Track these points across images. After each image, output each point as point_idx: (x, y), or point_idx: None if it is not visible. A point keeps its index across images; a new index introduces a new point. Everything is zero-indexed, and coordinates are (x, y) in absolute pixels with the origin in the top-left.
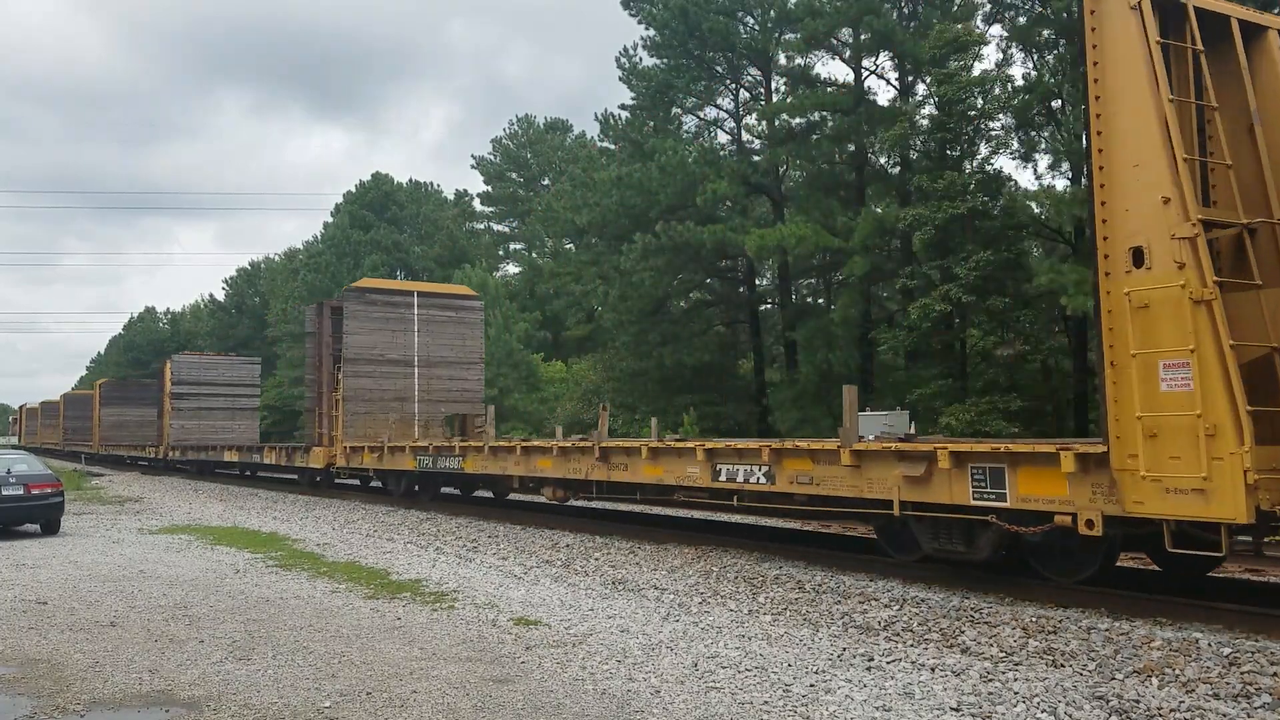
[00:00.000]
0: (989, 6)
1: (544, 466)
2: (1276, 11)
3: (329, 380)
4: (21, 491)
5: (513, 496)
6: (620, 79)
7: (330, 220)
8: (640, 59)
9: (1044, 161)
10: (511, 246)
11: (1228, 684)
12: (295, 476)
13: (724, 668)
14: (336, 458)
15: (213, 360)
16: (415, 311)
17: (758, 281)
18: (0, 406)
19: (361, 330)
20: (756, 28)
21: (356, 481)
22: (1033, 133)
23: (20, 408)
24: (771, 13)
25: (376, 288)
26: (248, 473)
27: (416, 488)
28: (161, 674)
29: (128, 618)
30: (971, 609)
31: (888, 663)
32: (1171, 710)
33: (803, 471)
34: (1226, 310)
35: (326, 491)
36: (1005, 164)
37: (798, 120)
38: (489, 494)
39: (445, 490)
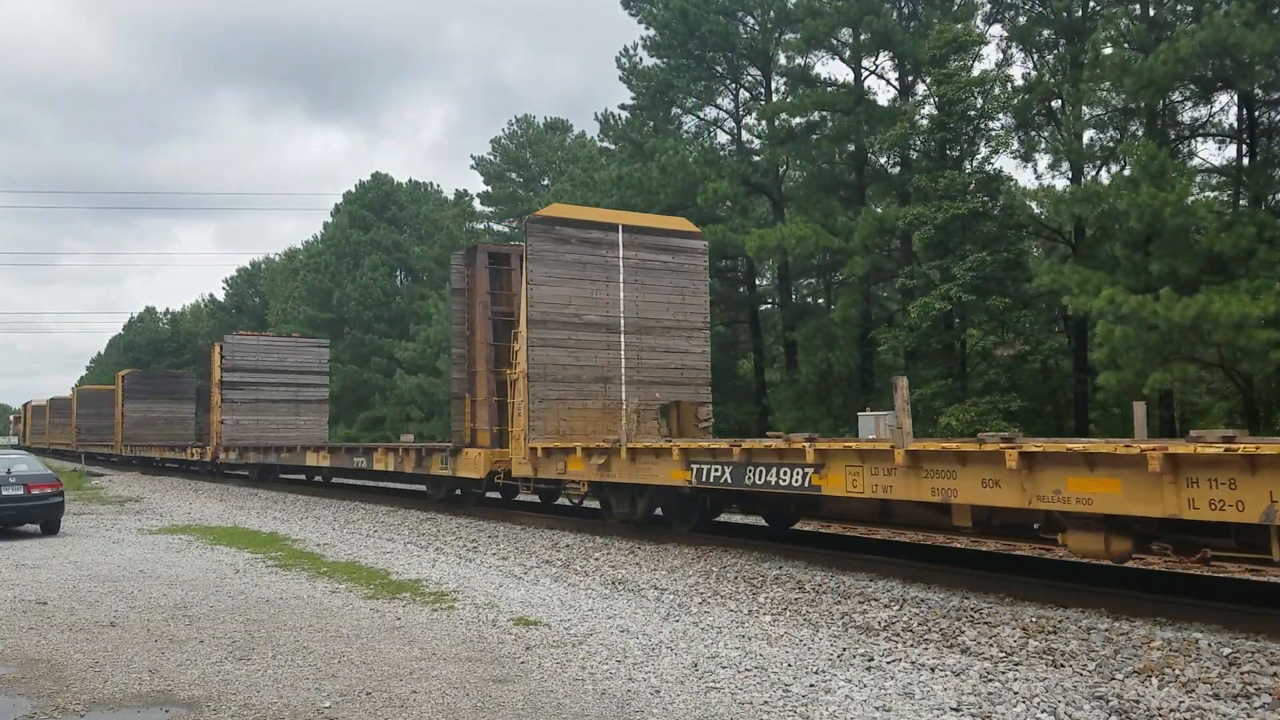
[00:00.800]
0: (989, 6)
1: (1098, 492)
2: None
3: (489, 354)
4: (21, 491)
5: (522, 497)
6: (620, 79)
7: (330, 220)
8: (640, 59)
9: (1044, 161)
10: None
11: (1228, 684)
12: (424, 488)
13: (724, 668)
14: (513, 462)
15: (272, 342)
16: (620, 253)
17: (758, 281)
18: (0, 406)
19: (550, 279)
20: (756, 28)
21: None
22: (1033, 133)
23: (25, 405)
24: (771, 13)
25: (570, 218)
26: (317, 479)
27: (659, 510)
28: (161, 674)
29: (127, 618)
30: (971, 609)
31: (888, 663)
32: (1171, 710)
33: None
34: None
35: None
36: (1005, 164)
37: (798, 120)
38: (739, 519)
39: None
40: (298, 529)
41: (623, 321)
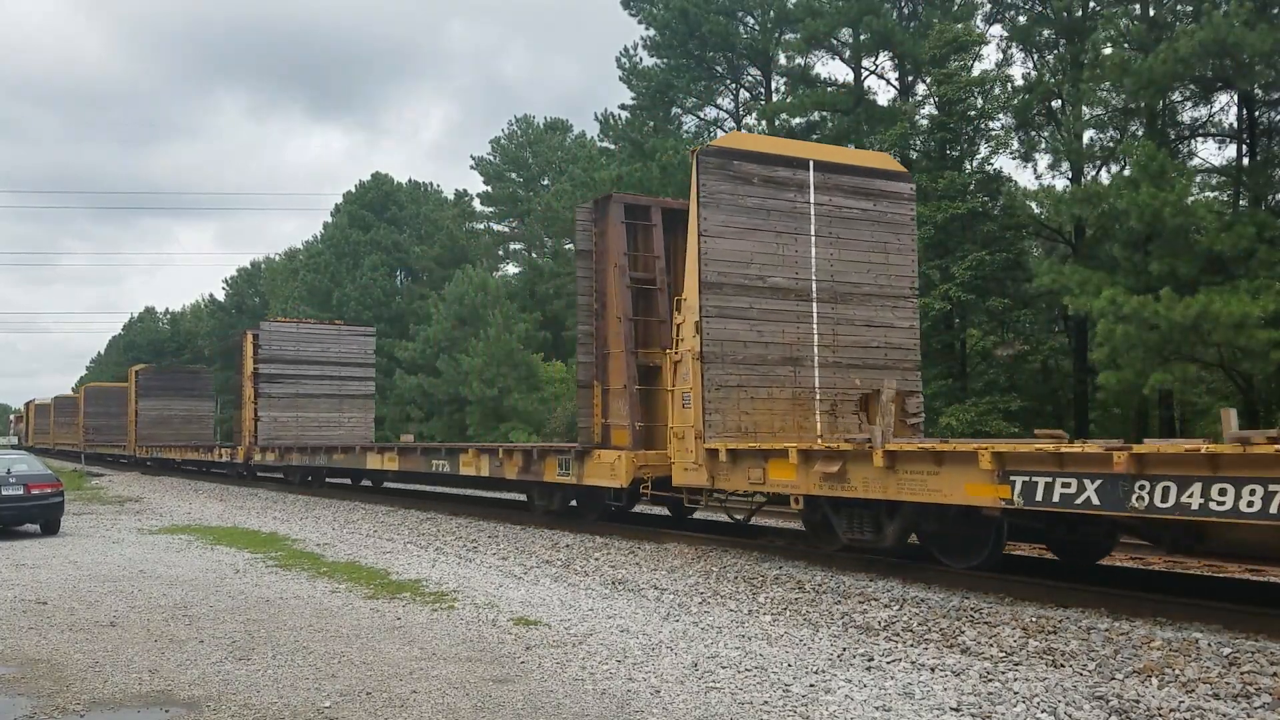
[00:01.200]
0: (989, 6)
1: None
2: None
3: (626, 331)
4: (21, 491)
5: (511, 496)
6: (620, 79)
7: (330, 220)
8: (640, 59)
9: (1044, 161)
10: (511, 246)
11: (1228, 684)
12: (523, 497)
13: (724, 668)
14: (674, 467)
15: (314, 329)
16: (812, 197)
17: None
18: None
19: (729, 230)
20: (756, 28)
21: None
22: (1033, 133)
23: (28, 404)
24: (771, 13)
25: (750, 150)
26: (366, 482)
27: (913, 538)
28: (161, 674)
29: (127, 618)
30: (971, 609)
31: (888, 663)
32: (1171, 710)
33: None
34: None
35: (330, 493)
36: (1005, 164)
37: (798, 120)
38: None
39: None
40: (297, 529)
41: (815, 286)
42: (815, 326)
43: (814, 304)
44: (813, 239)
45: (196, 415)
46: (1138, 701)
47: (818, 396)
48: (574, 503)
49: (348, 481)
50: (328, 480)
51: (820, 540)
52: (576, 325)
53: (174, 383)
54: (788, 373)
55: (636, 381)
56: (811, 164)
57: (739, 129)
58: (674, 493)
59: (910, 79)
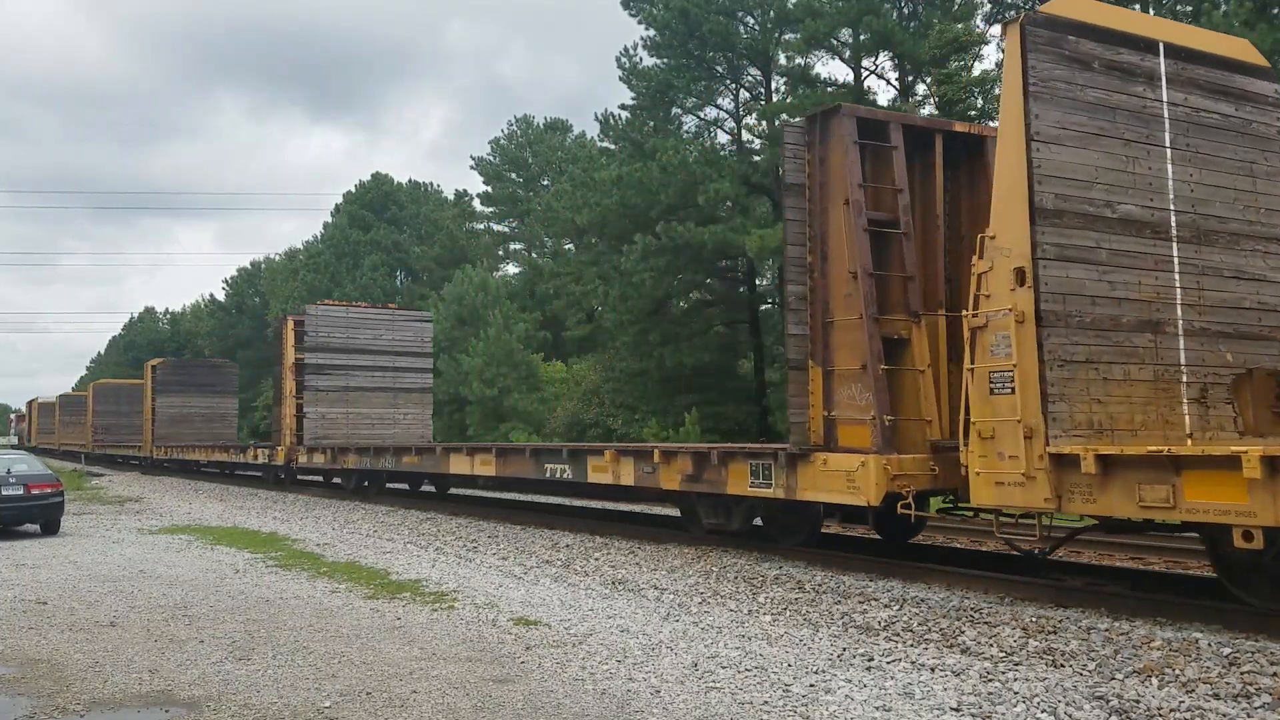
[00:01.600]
0: (989, 6)
1: None
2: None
3: (865, 291)
4: (21, 491)
5: (517, 496)
6: (620, 79)
7: (330, 220)
8: (640, 59)
9: None
10: (511, 246)
11: (1228, 684)
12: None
13: (724, 668)
14: (975, 481)
15: (365, 314)
16: (1164, 93)
17: (758, 281)
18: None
19: (1067, 135)
20: (756, 28)
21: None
22: None
23: (31, 403)
24: (771, 13)
25: (1087, 23)
26: (428, 488)
27: None
28: (161, 674)
29: (127, 618)
30: (971, 609)
31: (888, 663)
32: (1171, 710)
33: None
34: None
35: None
36: None
37: (798, 120)
38: None
39: None
40: (298, 529)
41: (1174, 219)
42: (1176, 276)
43: (1173, 244)
44: (1168, 153)
45: (219, 413)
46: (1138, 701)
47: (1184, 378)
48: (758, 520)
49: (405, 487)
50: (388, 486)
51: (1257, 593)
52: (785, 285)
53: (194, 378)
54: (1146, 343)
55: (881, 360)
56: (1162, 47)
57: (739, 129)
58: (980, 514)
59: (910, 79)
